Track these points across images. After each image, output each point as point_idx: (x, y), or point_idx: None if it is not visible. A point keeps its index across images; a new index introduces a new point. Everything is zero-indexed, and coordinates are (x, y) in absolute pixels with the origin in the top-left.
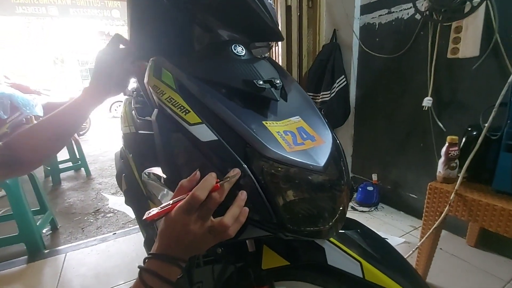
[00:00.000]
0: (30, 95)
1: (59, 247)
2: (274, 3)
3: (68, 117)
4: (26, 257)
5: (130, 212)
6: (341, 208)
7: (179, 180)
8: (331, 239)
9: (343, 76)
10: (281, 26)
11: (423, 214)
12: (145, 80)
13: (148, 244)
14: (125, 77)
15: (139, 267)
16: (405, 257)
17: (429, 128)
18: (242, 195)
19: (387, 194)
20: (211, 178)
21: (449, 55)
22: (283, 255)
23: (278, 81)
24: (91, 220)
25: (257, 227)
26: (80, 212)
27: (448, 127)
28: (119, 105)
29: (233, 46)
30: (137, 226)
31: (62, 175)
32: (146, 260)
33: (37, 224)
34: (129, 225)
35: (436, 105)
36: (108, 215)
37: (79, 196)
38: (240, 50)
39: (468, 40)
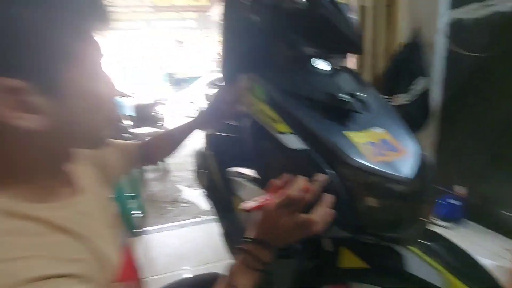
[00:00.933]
0: (121, 97)
1: (146, 228)
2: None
3: (185, 132)
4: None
5: (202, 204)
6: (421, 219)
7: (268, 180)
8: (412, 248)
9: (424, 78)
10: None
11: None
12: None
13: (225, 235)
14: (231, 114)
15: (239, 248)
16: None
17: None
18: (329, 197)
19: (475, 210)
20: (302, 181)
21: None
22: (360, 257)
23: (360, 94)
24: (170, 208)
25: (338, 228)
26: (161, 200)
27: None
28: (189, 106)
29: (315, 61)
30: (210, 217)
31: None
32: (244, 243)
33: (130, 206)
34: (202, 216)
35: None
36: (184, 205)
37: (159, 186)
38: (322, 64)
39: None
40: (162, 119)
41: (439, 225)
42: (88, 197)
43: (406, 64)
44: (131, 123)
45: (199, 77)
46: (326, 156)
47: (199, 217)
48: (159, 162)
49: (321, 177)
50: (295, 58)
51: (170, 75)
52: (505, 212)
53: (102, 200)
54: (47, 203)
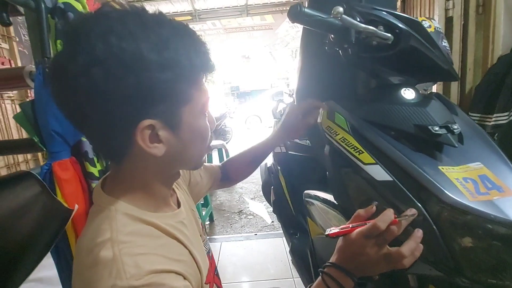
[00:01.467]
0: None
1: (215, 236)
2: (429, 15)
3: (263, 149)
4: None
5: (267, 217)
6: None
7: (351, 209)
8: None
9: None
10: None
11: None
12: (319, 120)
13: (293, 251)
14: (304, 130)
15: (320, 271)
16: None
17: None
18: (419, 233)
19: None
20: (390, 213)
21: None
22: None
23: (455, 126)
24: (237, 219)
25: (429, 265)
26: (228, 210)
27: None
28: (253, 119)
29: (402, 90)
30: (274, 231)
31: None
32: (327, 267)
33: (203, 214)
34: (266, 230)
35: None
36: (249, 216)
37: (226, 197)
38: (409, 93)
39: None
40: (229, 132)
41: None
42: (184, 210)
43: (505, 78)
44: None
45: (263, 90)
46: (415, 190)
47: (264, 230)
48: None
49: (410, 212)
50: (379, 87)
51: (235, 88)
52: None
53: (192, 212)
54: (160, 212)
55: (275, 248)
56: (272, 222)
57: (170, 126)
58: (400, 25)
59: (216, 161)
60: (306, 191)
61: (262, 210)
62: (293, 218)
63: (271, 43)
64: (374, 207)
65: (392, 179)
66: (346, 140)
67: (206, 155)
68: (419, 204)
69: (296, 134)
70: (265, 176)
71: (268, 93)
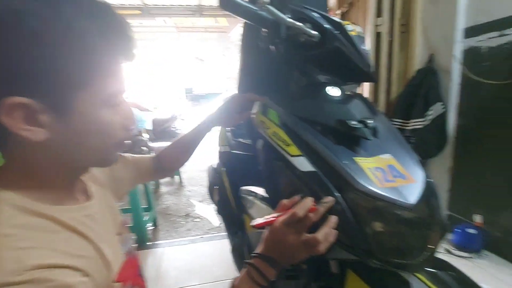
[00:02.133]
0: (142, 112)
1: (159, 241)
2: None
3: (196, 134)
4: (135, 245)
5: (214, 220)
6: (430, 246)
7: (279, 200)
8: (419, 275)
9: (439, 103)
10: (370, 52)
11: None
12: (253, 115)
13: (234, 251)
14: (237, 119)
15: (246, 262)
16: None
17: None
18: (333, 219)
19: (495, 241)
20: (309, 201)
21: None
22: (366, 281)
23: (370, 121)
24: (183, 223)
25: (346, 250)
26: (174, 214)
27: None
28: None
29: (328, 88)
30: (221, 233)
31: (162, 180)
32: (252, 258)
33: (144, 219)
34: (213, 232)
35: None
36: (196, 219)
37: (173, 200)
38: (334, 91)
39: None
40: (180, 134)
41: (456, 255)
42: (95, 204)
43: (421, 89)
44: (148, 136)
45: (218, 94)
46: (334, 179)
47: (211, 233)
48: (174, 176)
49: (327, 199)
50: (308, 85)
51: (189, 91)
52: None
53: (108, 208)
54: (62, 205)
55: (220, 250)
56: (220, 224)
57: (55, 111)
58: (326, 25)
59: None
60: (242, 188)
61: (210, 212)
62: (235, 217)
63: (225, 46)
64: (298, 197)
65: (314, 170)
66: (277, 134)
67: (117, 154)
68: (336, 192)
69: (229, 122)
70: (211, 176)
71: (222, 97)
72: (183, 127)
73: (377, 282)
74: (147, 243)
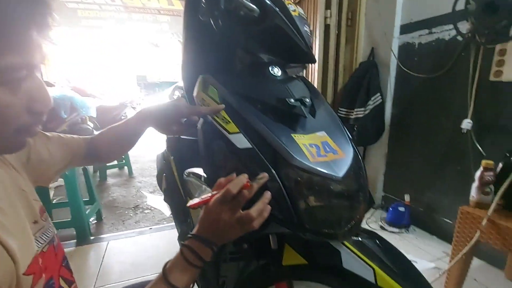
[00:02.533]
0: (86, 98)
1: (103, 235)
2: (313, 22)
3: (133, 131)
4: (75, 240)
5: (165, 210)
6: (356, 216)
7: (218, 179)
8: (348, 244)
9: (378, 94)
10: (319, 43)
11: (453, 239)
12: (194, 93)
13: (182, 238)
14: (176, 129)
15: (181, 243)
16: (432, 281)
17: (468, 151)
18: (267, 194)
19: (420, 217)
20: (243, 178)
21: (491, 78)
22: (302, 254)
23: (307, 100)
24: (131, 215)
25: (279, 224)
26: (122, 207)
27: (488, 152)
28: None
29: (270, 68)
30: (171, 223)
31: (108, 171)
32: (187, 239)
33: (86, 213)
34: (164, 222)
35: (476, 128)
36: (146, 211)
37: (121, 192)
38: (276, 71)
39: None
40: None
41: (389, 231)
42: (3, 190)
43: (364, 81)
44: (93, 125)
45: (174, 82)
46: (270, 155)
47: (161, 223)
48: (124, 167)
49: (262, 176)
50: (249, 63)
51: (142, 78)
52: (445, 219)
53: (19, 194)
54: None
55: (169, 240)
56: (171, 214)
57: None
58: (266, 1)
59: None
60: (186, 170)
61: (161, 203)
62: (182, 204)
63: (179, 31)
64: (234, 175)
65: (251, 146)
66: None
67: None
68: (271, 168)
69: (167, 131)
70: (159, 164)
71: (172, 90)
72: None
73: (310, 253)
74: (90, 238)
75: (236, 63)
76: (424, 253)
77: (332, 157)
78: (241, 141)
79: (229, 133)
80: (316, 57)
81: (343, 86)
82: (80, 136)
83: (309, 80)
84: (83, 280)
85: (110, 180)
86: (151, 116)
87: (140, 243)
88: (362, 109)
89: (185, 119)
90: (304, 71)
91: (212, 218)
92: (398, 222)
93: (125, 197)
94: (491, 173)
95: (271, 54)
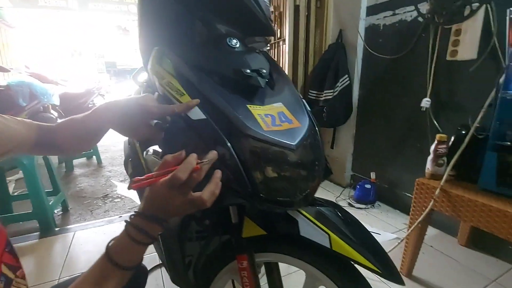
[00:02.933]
0: (48, 84)
1: (69, 226)
2: (283, 3)
3: (85, 129)
4: (38, 233)
5: (136, 198)
6: (311, 183)
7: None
8: (304, 212)
9: (346, 76)
10: (288, 25)
11: (411, 209)
12: (148, 67)
13: None
14: (144, 133)
15: (125, 221)
16: (391, 248)
17: (426, 128)
18: (217, 174)
19: (384, 193)
20: (192, 160)
21: (448, 57)
22: (261, 225)
23: (264, 71)
24: (100, 204)
25: (236, 196)
26: (90, 196)
27: (445, 127)
28: None
29: (228, 39)
30: None
31: (75, 162)
32: (132, 217)
33: (50, 204)
34: (135, 210)
35: (434, 106)
36: (116, 200)
37: (89, 182)
38: (234, 42)
39: (467, 42)
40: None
41: (356, 207)
42: None
43: (332, 63)
44: (57, 114)
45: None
46: (224, 126)
47: (132, 211)
48: (92, 157)
49: (211, 154)
50: (206, 34)
51: (112, 65)
52: (406, 193)
53: None
54: None
55: None
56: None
57: None
58: None
59: None
60: (147, 148)
61: (132, 191)
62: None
63: None
64: (184, 153)
65: (205, 117)
66: (171, 84)
67: None
68: (225, 139)
69: (133, 134)
70: (126, 150)
71: (137, 79)
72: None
73: (269, 224)
74: (55, 229)
75: (192, 35)
76: (388, 226)
77: (287, 126)
78: (195, 113)
79: None
80: (287, 39)
81: (313, 69)
82: (36, 122)
83: (280, 64)
84: (47, 271)
85: (77, 171)
86: (110, 116)
87: (109, 232)
88: (331, 90)
89: (155, 121)
90: (270, 49)
91: (160, 201)
92: (365, 199)
93: (94, 187)
94: (444, 146)
95: (229, 25)
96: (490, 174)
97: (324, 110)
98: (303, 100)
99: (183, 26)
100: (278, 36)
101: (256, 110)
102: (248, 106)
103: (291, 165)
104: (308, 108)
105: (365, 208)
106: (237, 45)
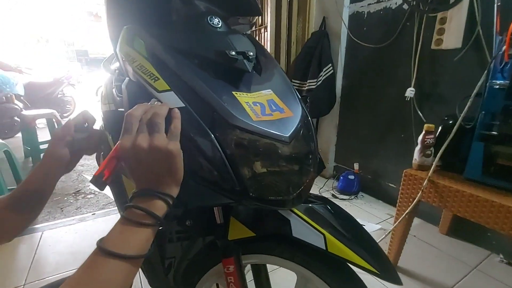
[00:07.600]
0: (10, 73)
1: (36, 226)
2: None
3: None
4: None
5: (111, 193)
6: (306, 180)
7: None
8: (297, 211)
9: (330, 65)
10: (270, 12)
11: (398, 200)
12: (117, 48)
13: None
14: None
15: (126, 206)
16: (378, 241)
17: (410, 118)
18: (175, 113)
19: (368, 183)
20: (142, 107)
21: (433, 46)
22: (249, 226)
23: (251, 53)
24: (71, 201)
25: (222, 195)
26: (60, 193)
27: (429, 117)
28: None
29: (209, 18)
30: (115, 207)
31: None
32: (133, 200)
33: None
34: (109, 207)
35: (418, 95)
36: (89, 196)
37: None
38: (216, 22)
39: (452, 31)
40: (71, 102)
41: (340, 198)
42: None
43: (316, 51)
44: (22, 105)
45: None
46: (206, 115)
47: (107, 208)
48: None
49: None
50: (184, 13)
51: (83, 53)
52: (390, 184)
53: None
54: None
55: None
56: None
57: None
58: None
59: (46, 134)
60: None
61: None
62: (122, 184)
63: None
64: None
65: (184, 105)
66: (144, 67)
67: None
68: (208, 130)
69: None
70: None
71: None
72: (73, 94)
73: (257, 225)
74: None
75: (168, 12)
76: (371, 216)
77: (279, 115)
78: (172, 100)
79: (158, 91)
80: (268, 27)
81: (295, 58)
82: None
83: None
84: (11, 276)
85: None
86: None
87: (81, 230)
88: (314, 80)
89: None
90: (254, 34)
91: (134, 158)
92: (348, 190)
93: (64, 182)
94: (432, 136)
95: (210, 3)
96: (476, 164)
97: (307, 100)
98: (307, 99)
99: (157, 1)
100: (260, 23)
101: (243, 98)
102: (233, 93)
103: (284, 160)
104: (299, 96)
105: (348, 199)
106: (219, 25)
